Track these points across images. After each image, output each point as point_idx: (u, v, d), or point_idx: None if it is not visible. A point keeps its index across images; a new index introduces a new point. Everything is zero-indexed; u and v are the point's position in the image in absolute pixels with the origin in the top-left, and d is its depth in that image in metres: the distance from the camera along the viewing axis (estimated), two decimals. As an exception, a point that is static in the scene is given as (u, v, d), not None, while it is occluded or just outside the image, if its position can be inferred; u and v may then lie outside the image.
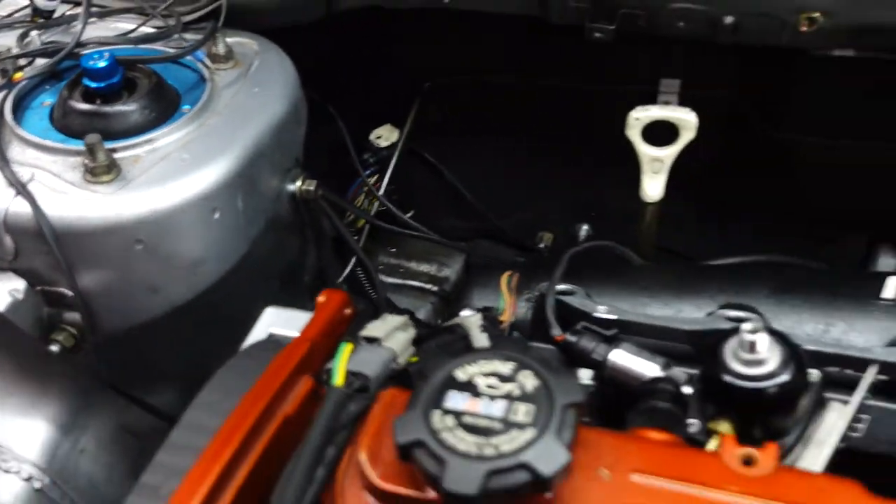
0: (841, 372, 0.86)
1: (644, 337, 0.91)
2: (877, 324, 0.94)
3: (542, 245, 1.58)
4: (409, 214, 1.54)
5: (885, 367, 0.82)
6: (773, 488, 0.62)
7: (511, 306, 0.98)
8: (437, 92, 1.47)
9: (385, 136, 1.48)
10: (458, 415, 0.62)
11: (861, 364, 0.85)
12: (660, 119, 1.03)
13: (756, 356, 0.71)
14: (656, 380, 0.77)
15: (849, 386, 0.85)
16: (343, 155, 1.44)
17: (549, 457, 0.59)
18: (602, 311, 0.93)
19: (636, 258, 1.14)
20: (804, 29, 1.05)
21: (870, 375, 0.75)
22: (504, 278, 1.01)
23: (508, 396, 0.63)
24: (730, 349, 0.72)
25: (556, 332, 0.91)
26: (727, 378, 0.72)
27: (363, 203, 1.48)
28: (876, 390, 0.86)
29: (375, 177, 1.48)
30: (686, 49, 1.29)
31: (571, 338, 0.90)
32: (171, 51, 1.09)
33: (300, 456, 0.65)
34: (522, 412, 0.62)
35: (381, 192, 1.41)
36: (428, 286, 1.59)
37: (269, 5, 1.18)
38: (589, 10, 1.12)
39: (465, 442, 0.60)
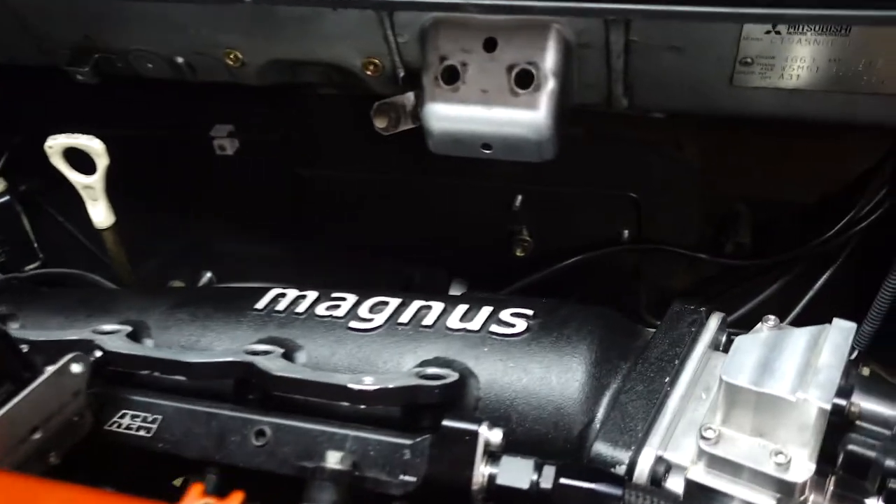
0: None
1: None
2: (242, 333, 0.98)
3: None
4: (36, 263, 1.58)
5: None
6: None
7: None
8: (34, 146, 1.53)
9: (-5, 186, 1.53)
10: None
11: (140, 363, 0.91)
12: (72, 146, 1.09)
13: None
14: None
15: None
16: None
17: None
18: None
19: (108, 283, 1.19)
20: (232, 64, 1.12)
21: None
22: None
23: None
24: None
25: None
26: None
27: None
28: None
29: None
30: (239, 97, 1.35)
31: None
32: None
33: None
34: None
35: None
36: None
37: None
38: (67, 55, 1.20)
39: None
